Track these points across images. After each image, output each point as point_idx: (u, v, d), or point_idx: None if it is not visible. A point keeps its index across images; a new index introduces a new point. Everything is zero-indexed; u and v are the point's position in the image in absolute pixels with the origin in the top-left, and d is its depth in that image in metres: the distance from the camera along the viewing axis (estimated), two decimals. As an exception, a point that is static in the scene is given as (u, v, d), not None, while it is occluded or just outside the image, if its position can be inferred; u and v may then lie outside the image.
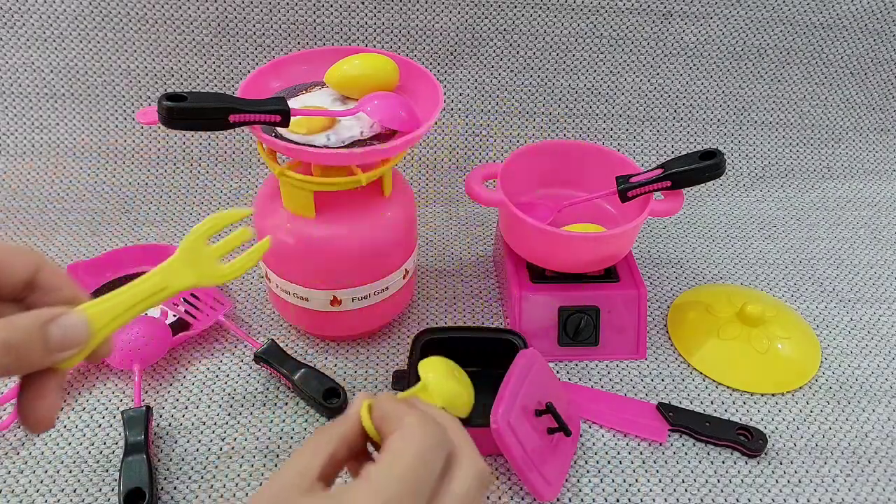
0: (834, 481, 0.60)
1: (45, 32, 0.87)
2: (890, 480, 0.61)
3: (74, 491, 0.58)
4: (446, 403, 0.48)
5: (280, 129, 0.59)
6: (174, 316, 0.71)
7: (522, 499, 0.58)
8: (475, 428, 0.54)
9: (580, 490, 0.59)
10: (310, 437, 0.38)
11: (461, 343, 0.64)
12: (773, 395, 0.67)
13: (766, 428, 0.64)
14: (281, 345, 0.68)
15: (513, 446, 0.54)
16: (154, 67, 0.89)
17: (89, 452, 0.60)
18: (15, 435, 0.61)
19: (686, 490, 0.59)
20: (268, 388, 0.66)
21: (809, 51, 0.94)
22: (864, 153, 0.99)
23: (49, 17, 0.86)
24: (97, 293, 0.74)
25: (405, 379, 0.62)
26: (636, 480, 0.60)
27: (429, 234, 0.86)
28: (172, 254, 0.40)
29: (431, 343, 0.64)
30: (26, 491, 0.58)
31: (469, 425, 0.54)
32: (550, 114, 0.94)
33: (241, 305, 0.75)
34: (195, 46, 0.88)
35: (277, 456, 0.61)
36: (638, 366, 0.70)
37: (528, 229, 0.66)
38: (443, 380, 0.49)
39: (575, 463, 0.61)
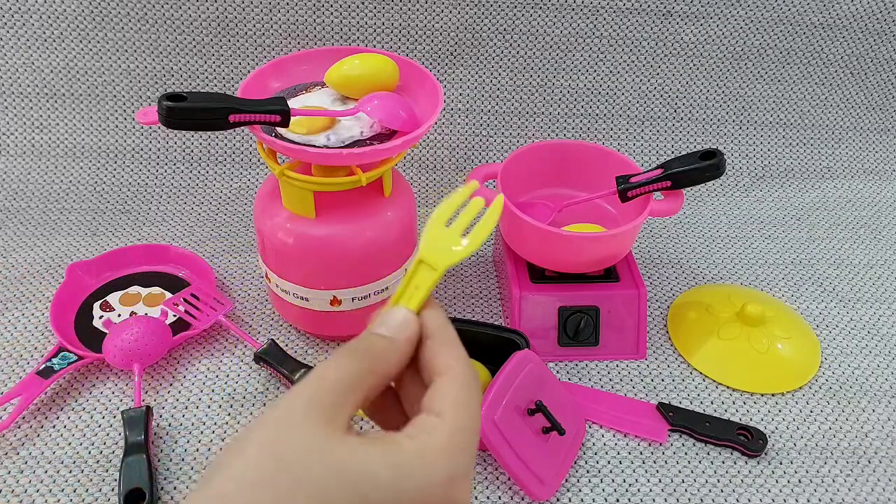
0: (834, 481, 0.60)
1: (45, 32, 0.87)
2: (890, 480, 0.61)
3: (74, 491, 0.58)
4: None
5: (280, 129, 0.59)
6: (174, 316, 0.71)
7: (523, 498, 0.58)
8: None
9: (580, 490, 0.59)
10: (333, 361, 0.32)
11: (465, 337, 0.64)
12: (773, 395, 0.67)
13: (766, 428, 0.64)
14: (281, 345, 0.68)
15: (497, 444, 0.55)
16: (154, 67, 0.89)
17: (89, 452, 0.60)
18: (15, 435, 0.61)
19: (686, 490, 0.59)
20: (268, 388, 0.66)
21: (809, 51, 0.94)
22: (864, 153, 0.99)
23: (49, 17, 0.86)
24: (97, 293, 0.74)
25: None
26: (636, 480, 0.60)
27: (429, 234, 0.86)
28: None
29: None
30: (26, 491, 0.58)
31: None
32: (550, 114, 0.93)
33: (241, 305, 0.75)
34: (195, 46, 0.88)
35: (277, 456, 0.60)
36: (638, 366, 0.70)
37: (528, 229, 0.66)
38: None
39: (575, 463, 0.61)
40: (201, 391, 0.66)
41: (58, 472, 0.59)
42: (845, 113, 0.98)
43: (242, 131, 0.89)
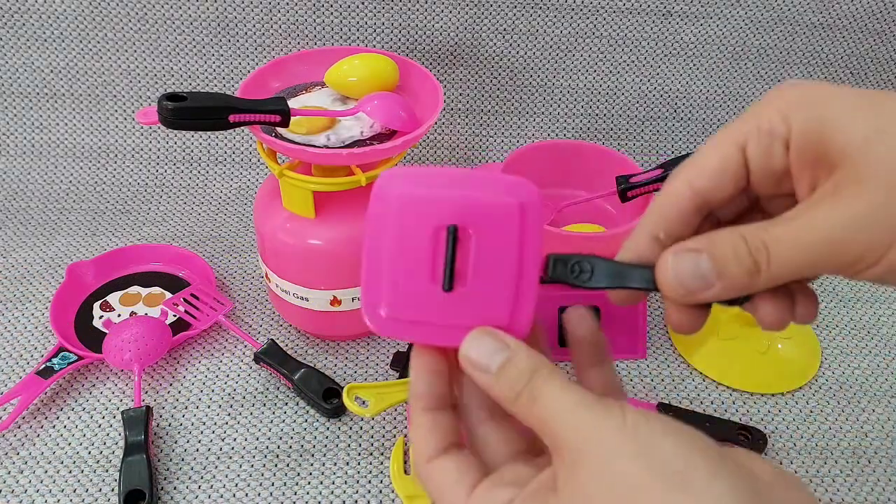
0: (834, 481, 0.60)
1: (45, 32, 0.87)
2: (890, 480, 0.61)
3: (74, 491, 0.58)
4: None
5: (280, 129, 0.59)
6: (174, 316, 0.71)
7: (522, 499, 0.58)
8: None
9: (580, 490, 0.59)
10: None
11: None
12: (773, 395, 0.67)
13: (766, 428, 0.64)
14: (281, 345, 0.68)
15: None
16: (154, 67, 0.89)
17: (89, 452, 0.60)
18: (15, 435, 0.61)
19: (686, 490, 0.59)
20: (268, 388, 0.66)
21: (809, 51, 0.94)
22: (864, 153, 0.98)
23: (49, 17, 0.86)
24: (97, 293, 0.74)
25: (404, 361, 0.62)
26: (636, 480, 0.60)
27: (429, 234, 0.86)
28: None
29: None
30: (26, 491, 0.58)
31: None
32: (550, 114, 0.93)
33: (241, 305, 0.75)
34: (195, 46, 0.88)
35: (277, 456, 0.61)
36: (638, 366, 0.70)
37: (528, 229, 0.66)
38: None
39: (575, 463, 0.61)
40: (201, 391, 0.66)
41: (58, 472, 0.59)
42: (845, 113, 0.98)
43: (242, 131, 0.89)
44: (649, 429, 0.26)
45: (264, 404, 0.65)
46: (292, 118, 0.56)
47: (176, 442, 0.61)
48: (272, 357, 0.66)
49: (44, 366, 0.64)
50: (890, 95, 0.27)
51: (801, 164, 0.28)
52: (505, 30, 0.90)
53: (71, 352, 0.65)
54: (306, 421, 0.63)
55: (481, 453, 0.32)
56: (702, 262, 0.28)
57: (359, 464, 0.60)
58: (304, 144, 0.57)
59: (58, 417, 0.63)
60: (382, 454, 0.61)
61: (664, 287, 0.30)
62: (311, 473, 0.59)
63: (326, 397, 0.63)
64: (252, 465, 0.60)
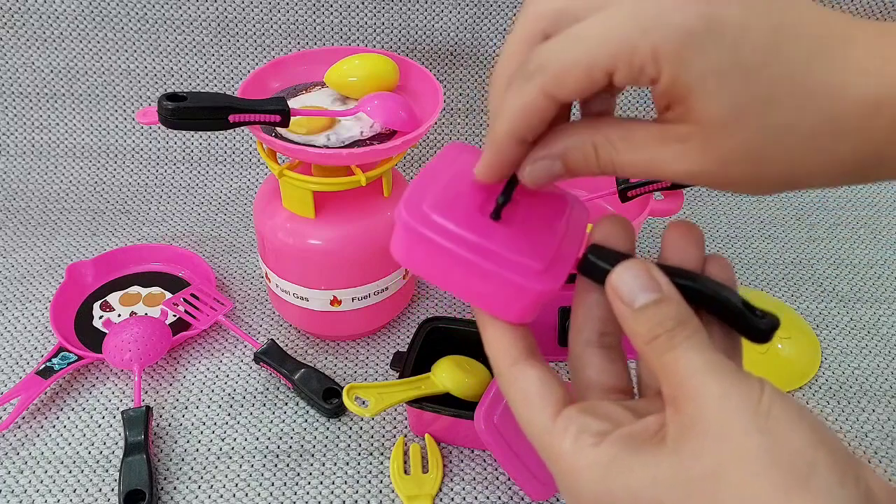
0: (834, 481, 0.60)
1: (45, 32, 0.87)
2: (890, 480, 0.61)
3: (74, 491, 0.58)
4: (452, 390, 0.59)
5: (280, 129, 0.59)
6: (174, 316, 0.71)
7: (522, 498, 0.58)
8: (468, 421, 0.55)
9: (580, 490, 0.59)
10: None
11: (465, 337, 0.64)
12: (773, 395, 0.67)
13: (766, 428, 0.64)
14: (281, 345, 0.68)
15: (497, 444, 0.55)
16: (154, 67, 0.89)
17: (89, 452, 0.60)
18: (15, 435, 0.61)
19: (686, 490, 0.59)
20: (268, 388, 0.66)
21: (809, 51, 0.94)
22: (864, 153, 0.98)
23: (49, 17, 0.86)
24: (97, 293, 0.74)
25: (404, 360, 0.62)
26: (636, 480, 0.60)
27: (429, 234, 0.86)
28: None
29: (436, 332, 0.64)
30: (26, 491, 0.58)
31: (465, 418, 0.55)
32: (550, 114, 0.93)
33: (241, 305, 0.75)
34: (195, 46, 0.88)
35: (277, 456, 0.61)
36: (638, 365, 0.70)
37: (528, 229, 0.66)
38: (452, 373, 0.59)
39: (575, 463, 0.61)
40: (201, 391, 0.66)
41: (58, 472, 0.59)
42: (845, 113, 0.98)
43: (242, 131, 0.89)
44: (782, 414, 0.25)
45: (264, 404, 0.65)
46: (292, 118, 0.56)
47: (176, 442, 0.61)
48: (272, 357, 0.66)
49: (44, 366, 0.64)
50: (769, 61, 0.26)
51: (660, 99, 0.29)
52: (505, 30, 0.90)
53: (71, 352, 0.65)
54: (306, 421, 0.63)
55: (576, 376, 0.32)
56: (555, 166, 0.31)
57: (359, 464, 0.60)
58: (304, 144, 0.57)
59: (58, 417, 0.63)
60: (382, 454, 0.61)
61: (520, 179, 0.32)
62: (311, 473, 0.59)
63: (326, 397, 0.63)
64: (252, 465, 0.60)
